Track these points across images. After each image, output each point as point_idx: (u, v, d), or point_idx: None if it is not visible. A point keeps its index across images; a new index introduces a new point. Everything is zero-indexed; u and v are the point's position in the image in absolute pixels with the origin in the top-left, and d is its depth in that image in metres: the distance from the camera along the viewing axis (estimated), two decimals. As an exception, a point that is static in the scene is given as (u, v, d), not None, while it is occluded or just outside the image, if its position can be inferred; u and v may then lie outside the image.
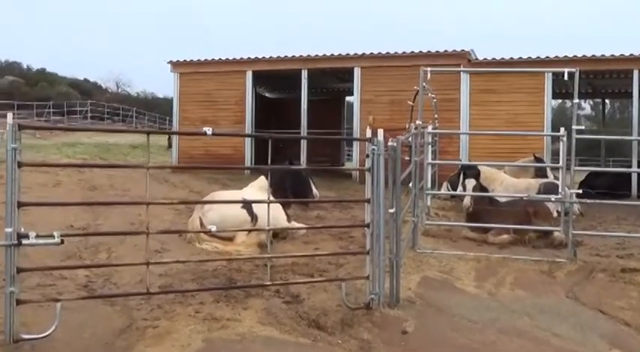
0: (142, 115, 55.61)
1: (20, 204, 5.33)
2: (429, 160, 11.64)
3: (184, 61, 23.67)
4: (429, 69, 9.87)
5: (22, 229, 5.39)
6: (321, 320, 6.46)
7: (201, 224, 9.58)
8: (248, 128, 22.70)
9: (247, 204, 9.67)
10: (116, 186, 15.48)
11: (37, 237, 5.32)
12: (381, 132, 6.69)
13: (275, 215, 10.14)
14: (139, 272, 7.92)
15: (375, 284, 6.77)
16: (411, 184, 9.68)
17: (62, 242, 5.40)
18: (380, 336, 6.18)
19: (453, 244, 10.50)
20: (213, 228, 6.15)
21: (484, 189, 11.27)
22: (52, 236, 5.32)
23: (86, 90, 68.74)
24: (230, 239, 9.59)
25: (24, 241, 5.28)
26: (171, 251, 9.00)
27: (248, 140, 22.67)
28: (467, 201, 10.61)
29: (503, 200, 11.46)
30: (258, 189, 10.68)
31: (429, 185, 11.45)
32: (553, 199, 10.29)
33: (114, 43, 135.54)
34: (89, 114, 47.63)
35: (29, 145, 29.72)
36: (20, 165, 5.30)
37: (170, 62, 23.61)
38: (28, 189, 14.15)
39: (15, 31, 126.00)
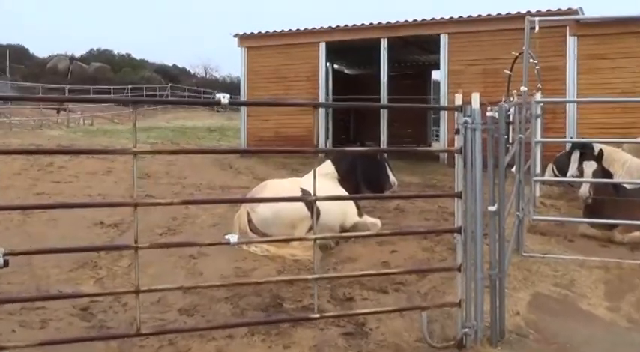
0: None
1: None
2: (538, 138, 9.34)
3: (251, 33, 21.75)
4: (537, 19, 7.63)
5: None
6: (393, 365, 4.54)
7: (249, 220, 7.78)
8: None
9: (307, 196, 7.77)
10: (172, 173, 13.99)
11: (-32, 257, 3.58)
12: (476, 97, 4.62)
13: (343, 209, 8.26)
14: (171, 284, 6.25)
15: (470, 312, 4.75)
16: (514, 168, 7.53)
17: (6, 264, 3.66)
18: (478, 395, 4.22)
19: (569, 245, 8.25)
20: (232, 239, 4.24)
21: (607, 174, 8.90)
22: (-10, 255, 3.59)
23: (173, 75, 68.98)
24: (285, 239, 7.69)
25: (-53, 263, 3.56)
26: (209, 256, 7.22)
27: (322, 120, 20.71)
28: (585, 189, 8.33)
29: (630, 186, 9.08)
30: (321, 176, 8.75)
31: (538, 169, 9.16)
32: None
33: (205, 29, 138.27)
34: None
35: (103, 130, 29.07)
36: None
37: (237, 36, 21.78)
38: (74, 178, 12.88)
39: (105, 19, 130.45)
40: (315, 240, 4.58)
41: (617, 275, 6.94)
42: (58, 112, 34.16)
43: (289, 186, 8.13)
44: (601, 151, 8.81)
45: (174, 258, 7.07)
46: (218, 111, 48.17)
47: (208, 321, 5.33)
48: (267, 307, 5.68)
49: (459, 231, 4.74)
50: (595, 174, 8.39)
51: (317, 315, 4.45)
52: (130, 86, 45.80)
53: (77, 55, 67.86)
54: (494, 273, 4.97)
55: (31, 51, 67.48)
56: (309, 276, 4.68)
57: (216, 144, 26.01)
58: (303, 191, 7.76)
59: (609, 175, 8.95)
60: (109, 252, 7.48)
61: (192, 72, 78.04)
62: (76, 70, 60.95)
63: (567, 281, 6.70)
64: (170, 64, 76.63)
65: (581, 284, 6.61)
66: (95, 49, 71.62)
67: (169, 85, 49.98)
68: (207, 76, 78.54)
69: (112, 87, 44.92)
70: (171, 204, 4.12)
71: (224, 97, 4.23)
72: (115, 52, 71.97)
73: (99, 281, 6.51)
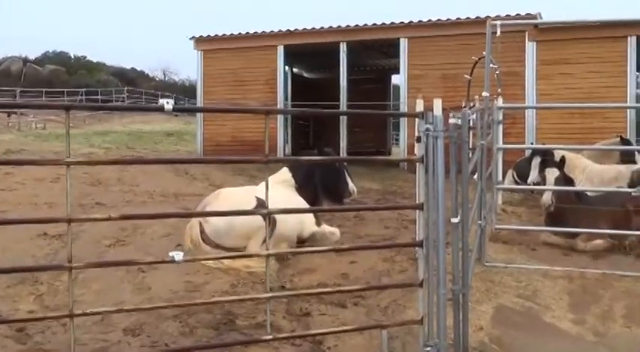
0: (181, 101, 54.07)
1: None
2: (500, 144, 9.17)
3: (207, 36, 21.34)
4: (498, 22, 7.45)
5: None
6: (352, 388, 4.25)
7: (202, 231, 7.40)
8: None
9: (262, 205, 7.44)
10: (125, 180, 13.48)
11: None
12: (438, 104, 4.35)
13: (300, 218, 7.95)
14: (116, 301, 5.87)
15: (432, 328, 4.47)
16: (476, 176, 7.32)
17: None
18: None
19: (532, 253, 8.07)
20: (177, 257, 3.89)
21: (570, 181, 8.77)
22: None
23: (131, 78, 68.06)
24: (239, 250, 7.33)
25: None
26: (159, 269, 6.81)
27: (281, 125, 20.40)
28: (547, 197, 8.17)
29: (592, 194, 8.97)
30: (278, 185, 8.44)
31: (500, 177, 8.98)
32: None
33: (166, 32, 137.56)
34: (126, 102, 46.16)
35: (56, 134, 28.26)
36: None
37: (192, 38, 21.31)
38: (21, 186, 12.30)
39: (63, 21, 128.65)
40: (267, 256, 4.24)
41: (581, 285, 6.77)
42: (9, 116, 33.12)
43: (244, 195, 7.79)
44: (563, 158, 8.68)
45: (122, 271, 6.66)
46: (176, 115, 47.44)
47: (154, 342, 4.98)
48: (219, 325, 5.36)
49: (420, 244, 4.46)
50: (557, 182, 8.25)
51: (270, 337, 4.12)
52: (84, 89, 44.77)
53: (33, 57, 66.39)
54: (457, 288, 4.72)
55: (-15, 52, 65.82)
56: (262, 296, 4.35)
57: (172, 149, 25.47)
58: (259, 200, 7.44)
59: (571, 182, 8.82)
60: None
61: (150, 75, 77.08)
62: (29, 73, 59.52)
63: (531, 292, 6.51)
64: (128, 67, 75.61)
65: (545, 295, 6.43)
66: (51, 51, 70.23)
67: (126, 88, 49.08)
68: (166, 79, 77.68)
69: (65, 90, 43.89)
70: (108, 219, 3.76)
71: (167, 103, 3.91)
72: (72, 55, 70.65)
73: (39, 298, 6.09)
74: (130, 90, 49.41)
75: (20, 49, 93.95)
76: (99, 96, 44.85)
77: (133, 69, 75.72)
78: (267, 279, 4.16)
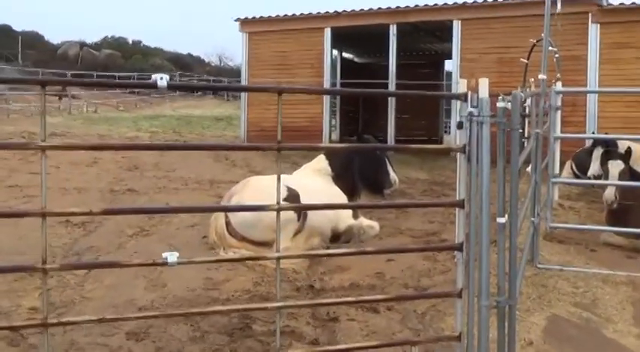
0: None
1: None
2: (558, 133, 8.33)
3: (253, 18, 20.72)
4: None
5: None
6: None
7: (227, 222, 6.89)
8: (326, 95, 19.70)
9: (294, 196, 6.90)
10: (161, 165, 13.10)
11: None
12: (484, 83, 3.66)
13: (335, 210, 7.35)
14: (127, 298, 5.41)
15: (472, 345, 3.81)
16: (529, 168, 6.58)
17: None
18: None
19: (591, 255, 7.26)
20: (171, 258, 3.34)
21: (636, 175, 7.89)
22: None
23: (186, 63, 68.33)
24: (268, 244, 6.77)
25: None
26: (176, 267, 6.28)
27: (327, 111, 19.75)
28: (610, 192, 7.33)
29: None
30: (313, 173, 7.87)
31: (557, 169, 8.17)
32: None
33: (221, 19, 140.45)
34: (176, 86, 46.34)
35: (106, 118, 28.32)
36: None
37: (238, 20, 20.77)
38: (55, 169, 12.01)
39: (126, 7, 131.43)
40: (278, 259, 3.64)
41: (647, 293, 5.99)
42: (60, 99, 33.40)
43: (274, 184, 7.20)
44: (629, 149, 7.80)
45: (134, 272, 6.16)
46: (228, 100, 47.38)
47: (159, 349, 4.46)
48: (234, 330, 4.81)
49: (459, 247, 3.80)
50: (622, 176, 7.40)
51: (279, 353, 3.53)
52: (136, 73, 44.96)
53: (93, 42, 67.37)
54: (502, 300, 4.04)
55: (47, 37, 67.18)
56: (271, 305, 3.75)
57: (219, 134, 25.14)
58: (290, 190, 6.89)
59: (637, 177, 7.94)
60: (66, 256, 6.67)
61: (206, 60, 77.35)
62: (86, 57, 60.38)
63: (589, 300, 5.76)
64: (185, 53, 76.05)
65: (605, 305, 5.67)
66: (110, 36, 71.13)
67: (178, 72, 49.21)
68: (222, 64, 77.74)
69: (117, 73, 44.18)
70: (89, 213, 3.24)
71: (162, 79, 3.31)
72: (130, 40, 71.39)
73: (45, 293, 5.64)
74: (182, 74, 49.52)
75: (81, 34, 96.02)
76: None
77: (189, 54, 76.10)
78: (277, 287, 3.55)
